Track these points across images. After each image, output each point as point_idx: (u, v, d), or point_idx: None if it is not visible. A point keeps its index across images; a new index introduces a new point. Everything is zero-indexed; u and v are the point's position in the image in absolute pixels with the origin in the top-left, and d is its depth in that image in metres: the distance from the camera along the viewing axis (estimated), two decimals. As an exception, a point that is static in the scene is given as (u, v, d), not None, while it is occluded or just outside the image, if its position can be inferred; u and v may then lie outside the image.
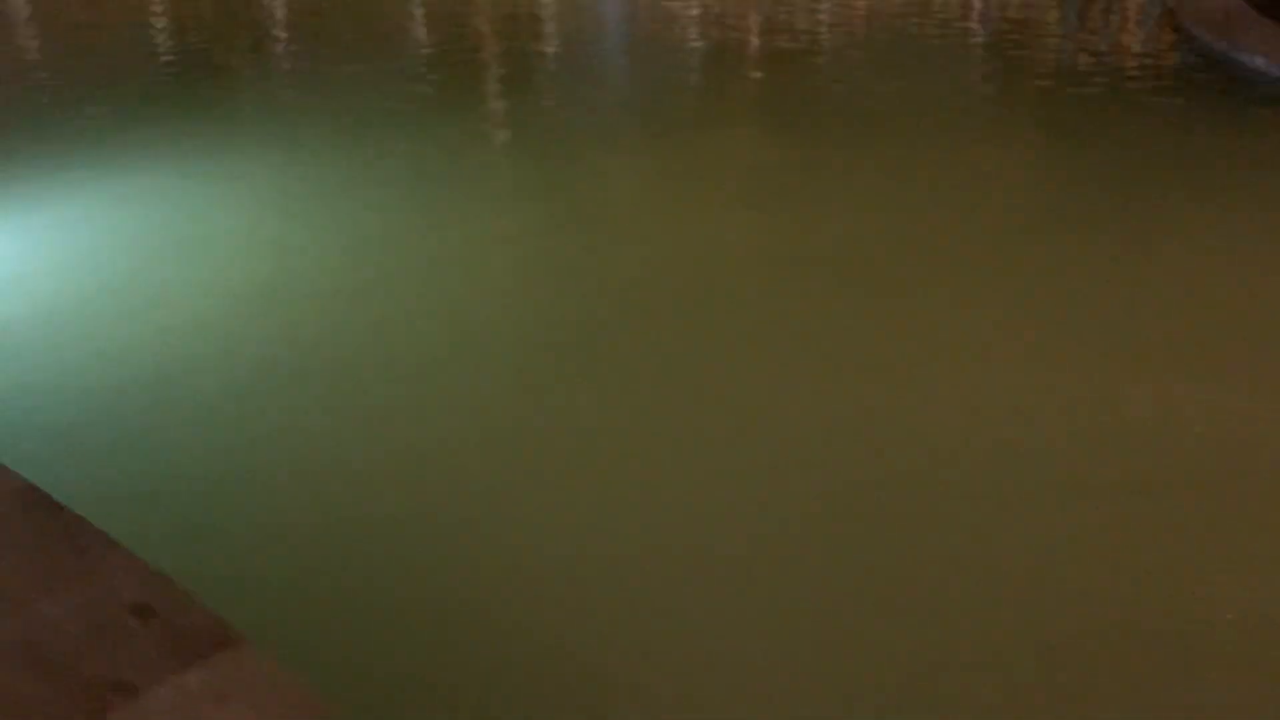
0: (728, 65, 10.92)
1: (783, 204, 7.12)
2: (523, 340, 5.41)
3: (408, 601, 3.65)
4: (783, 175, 7.71)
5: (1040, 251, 6.30)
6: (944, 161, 7.83)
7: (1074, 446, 4.45)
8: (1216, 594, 3.64)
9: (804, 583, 3.74)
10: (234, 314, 5.63)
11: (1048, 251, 6.28)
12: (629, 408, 4.81)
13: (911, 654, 3.42)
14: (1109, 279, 5.94)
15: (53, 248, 6.53)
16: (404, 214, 6.98)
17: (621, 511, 4.12)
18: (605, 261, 6.27)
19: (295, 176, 7.63)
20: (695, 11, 12.49)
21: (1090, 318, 5.52)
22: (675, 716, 3.24)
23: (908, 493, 4.19)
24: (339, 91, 9.52)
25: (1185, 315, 5.56)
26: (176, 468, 4.37)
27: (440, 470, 4.38)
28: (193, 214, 6.93)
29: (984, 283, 5.97)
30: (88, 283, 6.00)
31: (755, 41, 11.69)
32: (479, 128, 9.01)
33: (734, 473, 4.31)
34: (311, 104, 9.32)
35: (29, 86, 9.86)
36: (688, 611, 3.61)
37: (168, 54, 11.36)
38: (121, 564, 2.75)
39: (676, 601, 3.65)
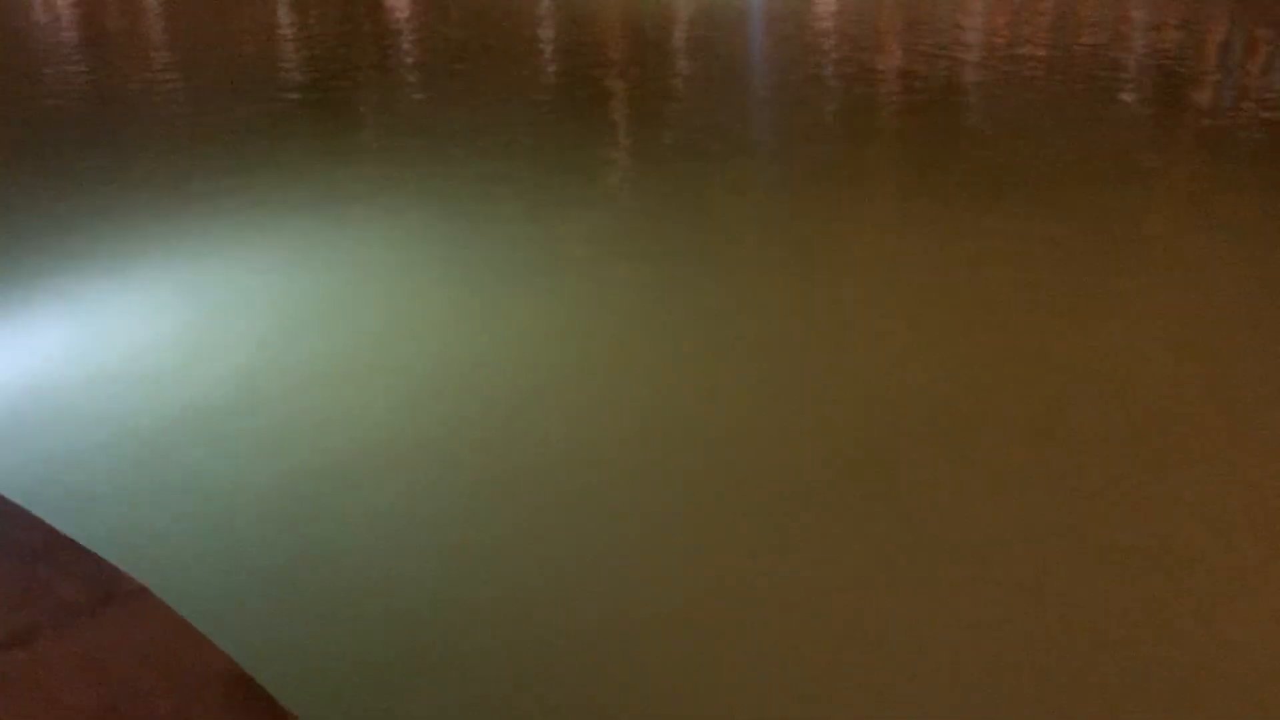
0: (884, 128, 10.31)
1: (1004, 306, 6.23)
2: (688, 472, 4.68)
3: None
4: (996, 265, 6.83)
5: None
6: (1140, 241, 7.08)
7: None
8: None
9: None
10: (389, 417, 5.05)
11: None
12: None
13: None
14: None
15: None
16: (566, 298, 6.41)
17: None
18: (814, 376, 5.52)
19: (447, 247, 7.18)
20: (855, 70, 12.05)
21: None
22: None
23: None
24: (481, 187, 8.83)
25: None
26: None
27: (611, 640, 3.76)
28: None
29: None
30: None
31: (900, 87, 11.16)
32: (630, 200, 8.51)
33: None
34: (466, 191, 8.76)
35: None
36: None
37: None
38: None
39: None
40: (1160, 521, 4.35)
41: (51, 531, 2.97)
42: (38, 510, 3.10)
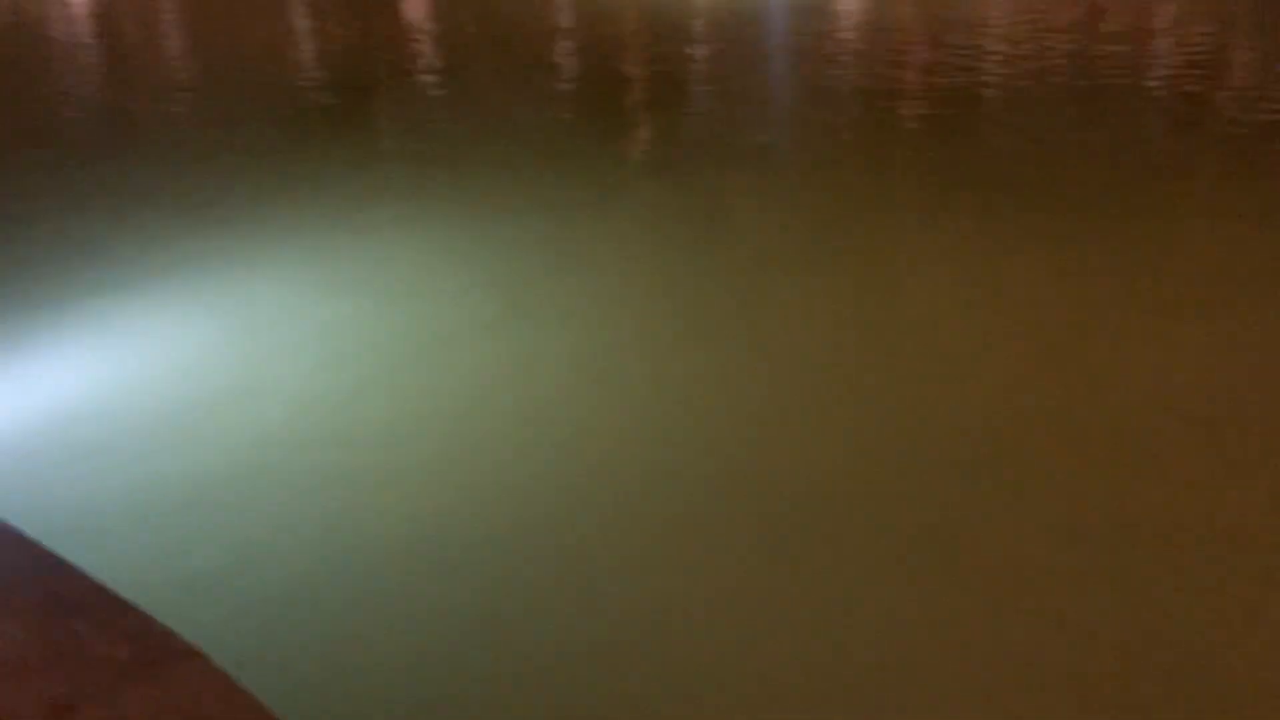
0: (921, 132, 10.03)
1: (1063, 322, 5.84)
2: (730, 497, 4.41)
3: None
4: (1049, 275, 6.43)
5: None
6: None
7: None
8: None
9: None
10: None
11: None
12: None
13: None
14: None
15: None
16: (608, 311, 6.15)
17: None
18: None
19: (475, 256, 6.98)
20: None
21: None
22: None
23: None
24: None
25: None
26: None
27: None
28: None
29: None
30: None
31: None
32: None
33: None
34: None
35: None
36: None
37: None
38: None
39: None
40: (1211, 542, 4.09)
41: (90, 583, 2.74)
42: (73, 558, 2.87)
